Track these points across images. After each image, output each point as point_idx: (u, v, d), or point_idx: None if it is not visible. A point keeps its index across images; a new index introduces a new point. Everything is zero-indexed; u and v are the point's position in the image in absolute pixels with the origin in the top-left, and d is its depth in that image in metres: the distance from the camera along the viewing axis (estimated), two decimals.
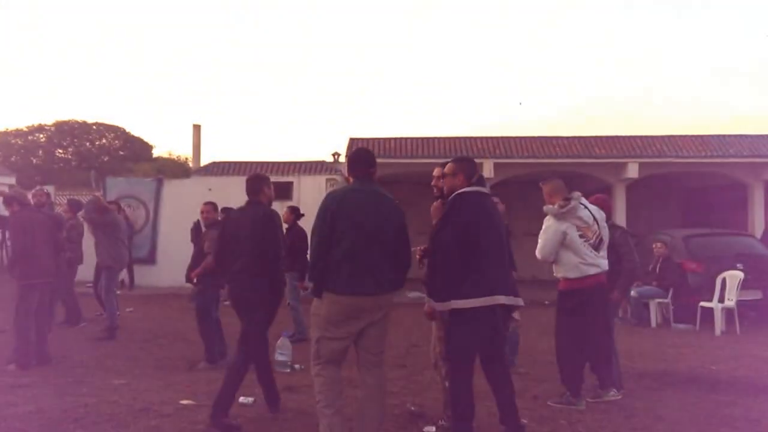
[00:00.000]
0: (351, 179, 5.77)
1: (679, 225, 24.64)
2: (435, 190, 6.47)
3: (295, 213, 12.54)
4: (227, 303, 16.70)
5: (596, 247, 7.25)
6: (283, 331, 9.74)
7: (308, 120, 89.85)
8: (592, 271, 7.21)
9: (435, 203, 6.22)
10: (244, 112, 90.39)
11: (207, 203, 10.01)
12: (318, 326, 5.55)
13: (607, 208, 8.07)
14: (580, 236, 7.22)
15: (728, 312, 13.36)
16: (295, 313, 11.75)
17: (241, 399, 7.18)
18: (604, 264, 7.34)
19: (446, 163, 6.42)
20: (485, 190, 5.93)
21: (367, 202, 5.53)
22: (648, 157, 22.31)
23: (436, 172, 6.47)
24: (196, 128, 25.64)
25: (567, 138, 23.55)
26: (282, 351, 9.20)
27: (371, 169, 5.73)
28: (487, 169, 21.75)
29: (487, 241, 5.71)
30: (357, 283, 5.39)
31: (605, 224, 7.52)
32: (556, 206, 7.29)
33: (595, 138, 23.50)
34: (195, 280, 9.53)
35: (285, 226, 12.39)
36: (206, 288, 9.45)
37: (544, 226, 7.35)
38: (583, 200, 7.42)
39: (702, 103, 78.57)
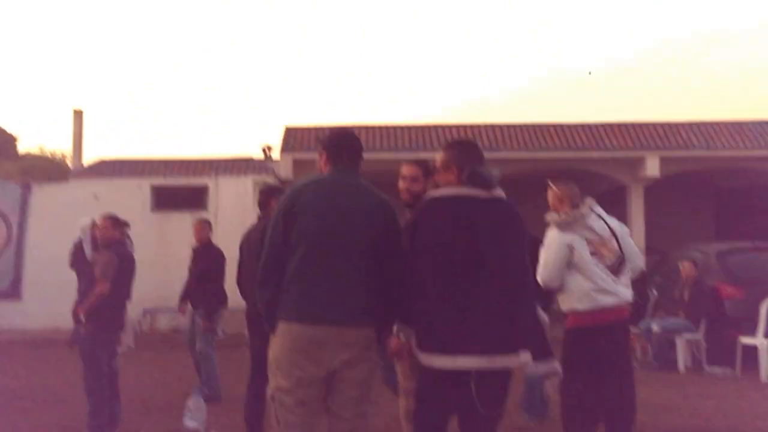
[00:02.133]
0: (327, 168, 5.48)
1: (713, 238, 24.86)
2: (406, 196, 6.26)
3: (210, 228, 12.34)
4: (120, 349, 16.55)
5: (615, 271, 7.17)
6: (194, 387, 9.57)
7: (229, 107, 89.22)
8: (609, 301, 7.07)
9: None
10: (143, 96, 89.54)
11: (106, 217, 9.73)
12: (271, 375, 5.24)
13: None
14: (592, 254, 7.13)
15: None
16: (206, 363, 11.56)
17: None
18: (627, 294, 7.22)
19: (418, 161, 6.31)
20: (479, 193, 5.35)
21: (336, 195, 5.27)
22: (672, 149, 22.59)
23: (406, 170, 6.26)
24: (78, 115, 25.32)
25: (569, 125, 23.83)
26: (192, 415, 9.01)
27: (358, 156, 5.52)
28: None
29: (469, 275, 5.17)
30: (312, 306, 5.07)
31: (629, 240, 7.44)
32: (560, 214, 7.26)
33: (605, 125, 23.77)
34: (83, 318, 9.30)
35: (196, 245, 12.30)
36: (96, 330, 9.21)
37: (546, 241, 7.31)
38: (598, 209, 7.37)
39: (741, 79, 79.24)
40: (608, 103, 74.92)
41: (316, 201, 5.21)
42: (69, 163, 32.45)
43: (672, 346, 14.49)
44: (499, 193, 5.42)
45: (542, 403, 9.49)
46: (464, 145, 5.72)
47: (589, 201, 7.35)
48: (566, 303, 7.23)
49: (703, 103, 73.78)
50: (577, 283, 7.11)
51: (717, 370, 13.97)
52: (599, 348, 7.06)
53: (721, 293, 14.65)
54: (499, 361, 5.12)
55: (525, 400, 9.47)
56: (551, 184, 7.62)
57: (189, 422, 8.98)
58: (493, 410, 5.20)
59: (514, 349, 5.15)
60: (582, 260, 7.10)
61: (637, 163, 22.59)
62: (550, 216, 7.33)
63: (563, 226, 7.20)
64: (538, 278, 7.18)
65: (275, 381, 5.16)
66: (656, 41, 79.69)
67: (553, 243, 7.21)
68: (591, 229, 7.18)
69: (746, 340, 13.65)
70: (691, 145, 22.67)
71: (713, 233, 26.06)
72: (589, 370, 7.09)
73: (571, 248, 7.12)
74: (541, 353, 5.63)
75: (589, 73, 75.18)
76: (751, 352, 13.53)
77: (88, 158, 25.58)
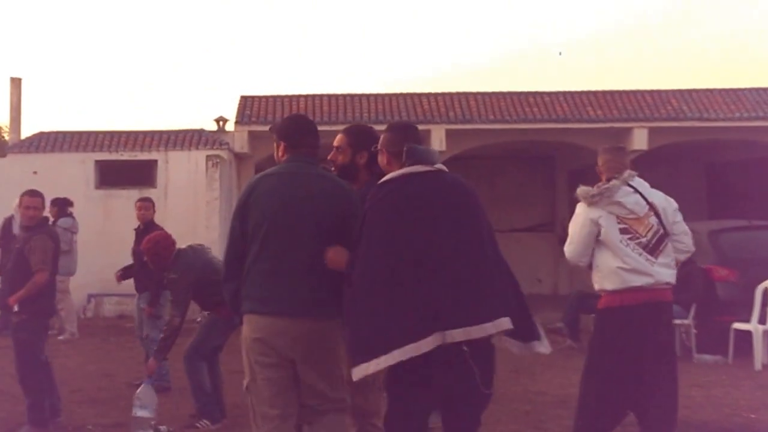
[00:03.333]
0: (282, 158, 5.89)
1: (705, 216, 24.99)
2: (332, 166, 6.29)
3: (153, 207, 12.36)
4: (63, 337, 16.42)
5: (652, 250, 7.14)
6: (146, 377, 9.60)
7: (179, 75, 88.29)
8: (638, 281, 7.06)
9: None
10: (87, 63, 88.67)
11: (30, 194, 9.62)
12: (245, 367, 5.78)
13: None
14: (623, 231, 7.15)
15: None
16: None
17: None
18: (663, 274, 7.15)
19: (349, 128, 6.41)
20: (425, 168, 5.48)
21: (290, 184, 5.67)
22: (661, 120, 22.69)
23: (338, 140, 6.28)
24: (15, 83, 25.03)
25: (549, 94, 23.87)
26: (143, 403, 9.03)
27: (317, 144, 5.90)
28: (438, 139, 21.89)
29: (434, 256, 5.26)
30: (269, 299, 5.55)
31: (677, 217, 7.38)
32: (590, 187, 7.34)
33: (588, 93, 23.86)
34: (15, 308, 9.25)
35: (138, 225, 12.32)
36: (32, 318, 9.21)
37: (573, 215, 7.48)
38: (637, 181, 7.34)
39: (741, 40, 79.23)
40: (590, 75, 74.74)
41: (270, 193, 5.64)
42: (6, 135, 32.15)
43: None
44: (442, 167, 5.57)
45: None
46: (396, 128, 5.86)
47: (627, 174, 7.33)
48: (596, 282, 7.33)
49: (696, 72, 73.86)
50: (604, 260, 7.19)
51: (707, 357, 14.06)
52: (631, 331, 7.07)
53: (712, 275, 14.68)
54: (477, 331, 5.18)
55: None
56: (600, 152, 7.74)
57: (139, 411, 8.98)
58: (489, 387, 5.31)
59: (492, 317, 5.24)
60: (608, 238, 7.15)
61: (624, 135, 22.56)
62: (579, 189, 7.41)
63: (589, 201, 7.27)
64: (566, 254, 7.45)
65: (251, 372, 5.69)
66: (642, 6, 79.68)
67: (578, 218, 7.34)
68: (620, 205, 7.18)
69: (739, 325, 13.72)
70: (683, 115, 22.77)
71: (705, 211, 26.18)
72: (618, 356, 7.11)
73: (597, 224, 7.20)
74: (527, 333, 5.67)
75: (560, 53, 75.06)
76: (745, 338, 13.59)
77: (27, 131, 25.32)
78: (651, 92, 23.82)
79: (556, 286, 26.18)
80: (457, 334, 5.14)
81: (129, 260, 12.47)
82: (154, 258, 9.78)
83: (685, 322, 14.45)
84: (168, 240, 9.94)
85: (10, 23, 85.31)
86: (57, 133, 23.89)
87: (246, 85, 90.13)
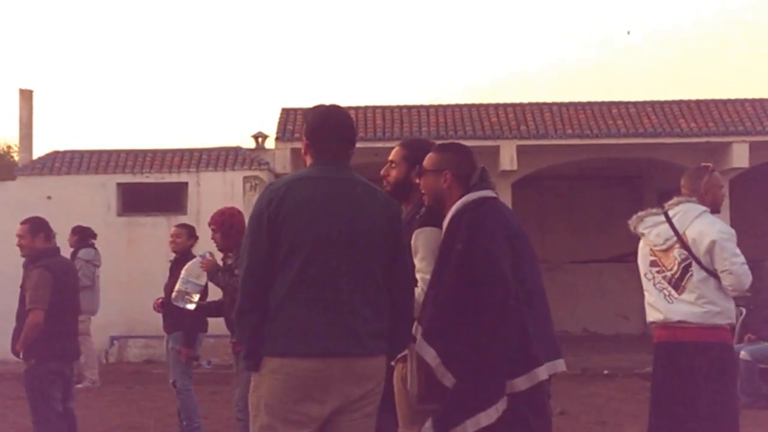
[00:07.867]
0: (309, 160, 5.50)
1: None
2: (383, 182, 6.31)
3: (191, 235, 12.41)
4: (82, 385, 16.52)
5: (676, 284, 7.36)
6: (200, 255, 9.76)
7: (212, 87, 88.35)
8: (651, 316, 7.63)
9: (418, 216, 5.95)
10: (106, 74, 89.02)
11: (24, 223, 9.55)
12: (257, 413, 5.28)
13: None
14: (653, 263, 7.55)
15: None
16: (184, 400, 11.58)
17: None
18: (676, 311, 7.37)
19: (407, 141, 6.56)
20: (493, 193, 5.79)
21: (334, 197, 5.27)
22: (764, 133, 22.55)
23: (393, 153, 6.33)
24: (25, 96, 25.13)
25: (635, 104, 23.88)
26: (188, 275, 9.48)
27: (348, 145, 5.50)
28: (507, 157, 21.94)
29: (532, 280, 5.74)
30: (316, 335, 5.11)
31: (719, 249, 7.35)
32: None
33: (680, 103, 23.79)
34: (21, 354, 9.30)
35: (174, 257, 12.39)
36: (40, 363, 9.25)
37: None
38: (681, 208, 7.55)
39: None
40: (683, 82, 74.16)
41: (306, 204, 5.21)
42: (15, 155, 32.40)
43: (764, 376, 14.46)
44: None
45: None
46: (461, 147, 6.08)
47: (670, 202, 7.62)
48: None
49: None
50: None
51: None
52: (658, 367, 7.67)
53: None
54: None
55: None
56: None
57: (180, 285, 9.63)
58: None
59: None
60: (640, 269, 7.69)
61: (721, 150, 22.59)
62: None
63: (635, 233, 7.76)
64: None
65: (268, 423, 5.21)
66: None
67: None
68: (645, 237, 7.62)
69: None
70: None
71: None
72: (656, 393, 7.66)
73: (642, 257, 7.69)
74: None
75: (628, 33, 75.09)
76: None
77: (40, 149, 25.47)
78: (752, 101, 23.76)
79: (647, 325, 25.97)
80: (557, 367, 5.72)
81: (156, 297, 12.48)
82: (228, 231, 9.66)
83: None
84: (242, 215, 9.81)
85: (20, 29, 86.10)
86: (73, 152, 24.05)
87: (287, 97, 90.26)
